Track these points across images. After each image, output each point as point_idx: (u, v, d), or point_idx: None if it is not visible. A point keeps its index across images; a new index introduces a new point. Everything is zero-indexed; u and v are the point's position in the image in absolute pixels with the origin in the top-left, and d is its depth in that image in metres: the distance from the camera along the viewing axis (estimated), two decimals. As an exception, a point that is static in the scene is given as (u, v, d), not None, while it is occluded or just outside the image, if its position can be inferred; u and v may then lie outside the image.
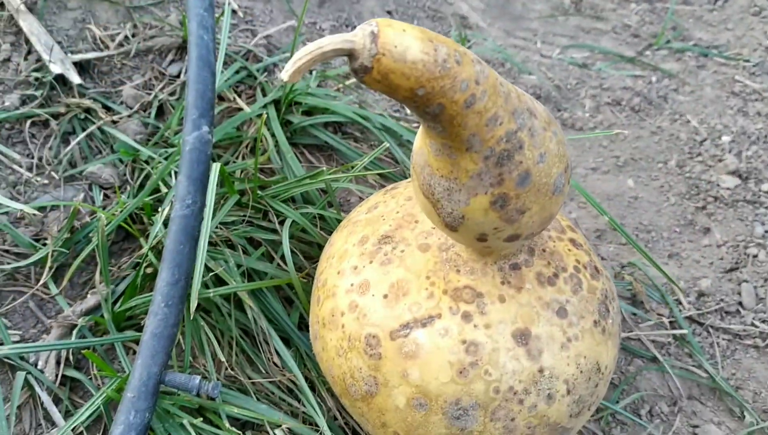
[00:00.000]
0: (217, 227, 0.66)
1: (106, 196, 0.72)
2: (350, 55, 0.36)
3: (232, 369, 0.62)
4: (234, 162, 0.74)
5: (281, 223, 0.68)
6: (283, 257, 0.67)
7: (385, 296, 0.52)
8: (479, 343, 0.49)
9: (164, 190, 0.68)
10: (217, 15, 0.82)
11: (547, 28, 1.13)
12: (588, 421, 0.68)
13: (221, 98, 0.79)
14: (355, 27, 0.96)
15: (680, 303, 0.78)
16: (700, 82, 1.08)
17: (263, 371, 0.62)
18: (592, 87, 1.03)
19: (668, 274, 0.70)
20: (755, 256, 0.83)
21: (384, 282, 0.52)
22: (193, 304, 0.53)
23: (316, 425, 0.59)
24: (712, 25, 1.26)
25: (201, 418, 0.56)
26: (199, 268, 0.54)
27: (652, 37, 1.18)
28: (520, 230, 0.45)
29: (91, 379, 0.63)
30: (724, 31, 1.24)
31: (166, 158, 0.71)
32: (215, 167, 0.60)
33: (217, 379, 0.61)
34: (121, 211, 0.65)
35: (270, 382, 0.61)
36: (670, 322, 0.76)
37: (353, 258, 0.55)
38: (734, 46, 1.18)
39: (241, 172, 0.73)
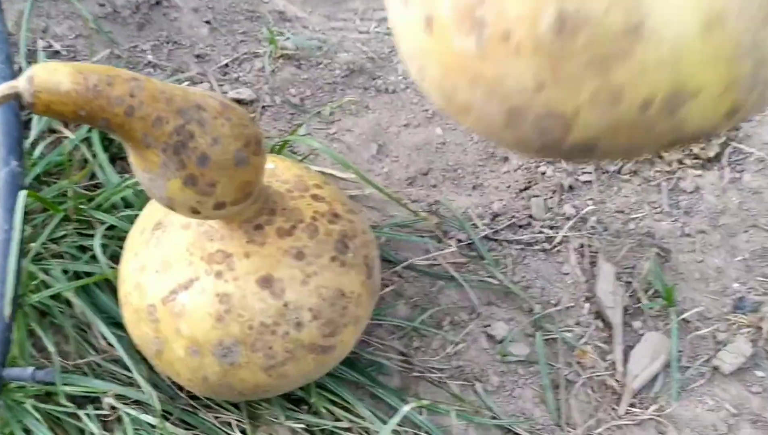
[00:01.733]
0: (49, 242, 0.78)
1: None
2: (18, 96, 0.47)
3: (79, 356, 0.74)
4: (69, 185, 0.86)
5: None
6: (111, 257, 0.78)
7: (157, 272, 0.64)
8: (230, 294, 0.62)
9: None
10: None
11: (367, 4, 1.24)
12: (392, 339, 0.80)
13: (52, 130, 0.91)
14: (176, 43, 1.07)
15: (477, 226, 0.91)
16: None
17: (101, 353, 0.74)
18: (406, 51, 1.14)
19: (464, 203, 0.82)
20: (544, 173, 0.96)
21: (156, 260, 0.64)
22: (6, 312, 0.65)
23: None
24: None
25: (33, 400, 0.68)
26: (11, 280, 0.66)
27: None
28: (222, 199, 0.57)
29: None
30: None
31: None
32: (22, 195, 0.71)
33: (64, 367, 0.73)
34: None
35: (109, 360, 0.73)
36: (468, 245, 0.89)
37: (136, 246, 0.67)
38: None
39: (74, 191, 0.84)
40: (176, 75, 1.01)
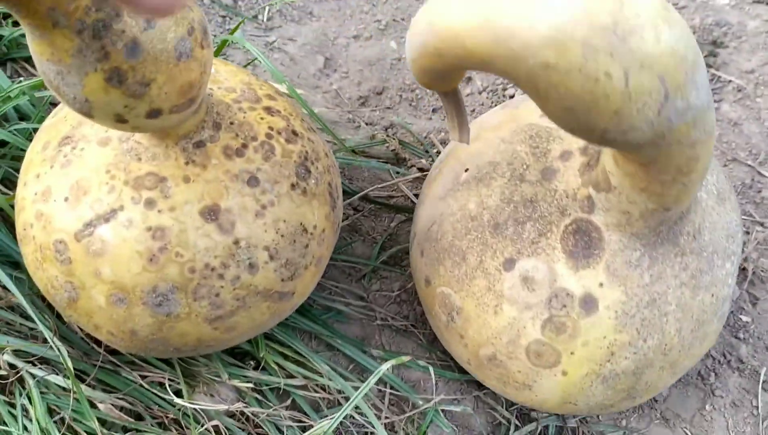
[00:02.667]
0: None
1: None
2: None
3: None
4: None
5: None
6: (3, 181, 0.63)
7: (66, 199, 0.50)
8: (165, 228, 0.49)
9: None
10: None
11: None
12: (349, 281, 0.69)
13: None
14: None
15: (440, 152, 0.80)
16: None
17: (-5, 300, 0.59)
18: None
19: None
20: (512, 96, 0.86)
21: (64, 184, 0.50)
22: None
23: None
24: None
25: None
26: None
27: None
28: (157, 104, 0.43)
29: None
30: None
31: None
32: None
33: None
34: None
35: (5, 308, 0.59)
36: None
37: (36, 166, 0.52)
38: None
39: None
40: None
